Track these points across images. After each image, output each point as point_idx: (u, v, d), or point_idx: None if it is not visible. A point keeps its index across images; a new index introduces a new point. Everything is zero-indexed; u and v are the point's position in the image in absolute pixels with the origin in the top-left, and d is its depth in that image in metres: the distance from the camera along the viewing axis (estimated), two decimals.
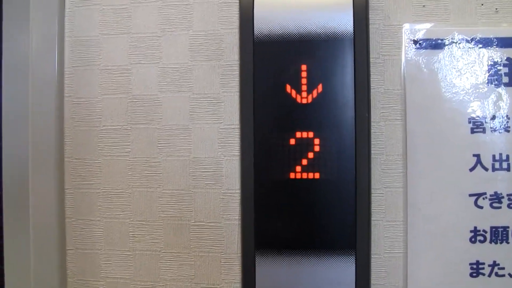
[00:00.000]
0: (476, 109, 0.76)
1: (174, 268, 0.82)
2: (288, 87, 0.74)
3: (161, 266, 0.82)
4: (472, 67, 0.76)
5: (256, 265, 0.75)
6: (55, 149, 0.83)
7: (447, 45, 0.77)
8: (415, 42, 0.77)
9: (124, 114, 0.83)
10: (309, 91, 0.74)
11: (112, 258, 0.83)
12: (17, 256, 0.83)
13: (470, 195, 0.76)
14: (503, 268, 0.75)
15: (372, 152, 0.77)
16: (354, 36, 0.74)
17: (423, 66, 0.77)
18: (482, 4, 0.77)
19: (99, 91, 0.84)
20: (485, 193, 0.75)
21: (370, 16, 0.76)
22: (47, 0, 0.84)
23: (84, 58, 0.84)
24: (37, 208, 0.83)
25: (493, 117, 0.76)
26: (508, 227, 0.75)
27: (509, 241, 0.75)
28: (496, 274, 0.75)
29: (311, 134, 0.74)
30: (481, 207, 0.75)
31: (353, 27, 0.74)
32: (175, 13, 0.82)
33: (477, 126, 0.76)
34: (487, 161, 0.75)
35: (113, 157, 0.83)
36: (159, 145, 0.82)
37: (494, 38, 0.76)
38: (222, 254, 0.81)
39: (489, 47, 0.76)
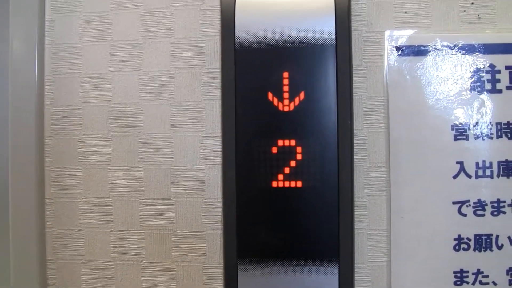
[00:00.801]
0: (459, 116, 0.76)
1: (156, 278, 0.81)
2: (270, 95, 0.74)
3: (143, 276, 0.82)
4: (455, 73, 0.76)
5: (238, 274, 0.74)
6: (35, 158, 0.82)
7: (430, 51, 0.76)
8: (398, 48, 0.77)
9: (105, 122, 0.82)
10: (291, 99, 0.73)
11: (93, 269, 0.83)
12: None
13: (454, 202, 0.75)
14: (487, 276, 0.75)
15: (355, 160, 0.76)
16: (336, 43, 0.73)
17: (406, 73, 0.77)
18: (465, 11, 0.77)
19: (79, 99, 0.83)
20: (468, 201, 0.75)
21: (352, 22, 0.76)
22: (27, 7, 0.83)
23: (64, 65, 0.83)
24: (17, 217, 0.82)
25: (476, 124, 0.75)
26: (491, 235, 0.75)
27: (492, 249, 0.75)
28: (480, 282, 0.75)
29: (293, 142, 0.73)
30: (465, 215, 0.75)
31: (335, 34, 0.73)
32: (156, 20, 0.81)
33: (460, 133, 0.76)
34: (470, 168, 0.75)
35: (94, 166, 0.82)
36: (140, 153, 0.81)
37: (476, 44, 0.76)
38: (204, 264, 0.80)
39: (471, 54, 0.76)
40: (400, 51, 0.77)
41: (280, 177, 0.73)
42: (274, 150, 0.73)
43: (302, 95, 0.73)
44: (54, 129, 0.83)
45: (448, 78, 0.76)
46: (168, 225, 0.81)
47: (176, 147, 0.80)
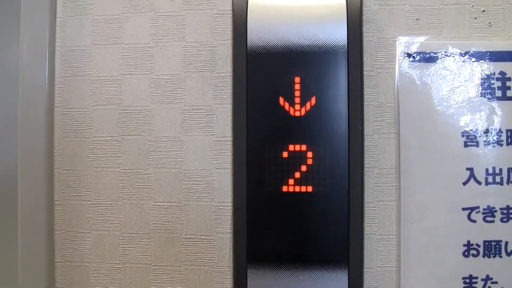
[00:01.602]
0: (469, 123, 0.76)
1: (164, 281, 0.81)
2: (281, 100, 0.74)
3: (152, 280, 0.81)
4: (465, 80, 0.76)
5: (248, 278, 0.74)
6: (45, 160, 0.82)
7: (441, 58, 0.77)
8: (409, 55, 0.77)
9: (115, 125, 0.82)
10: (302, 104, 0.73)
11: (102, 271, 0.82)
12: (5, 269, 0.83)
13: (464, 209, 0.76)
14: (496, 283, 0.75)
15: (365, 165, 0.76)
16: (348, 49, 0.73)
17: (417, 79, 0.77)
18: (476, 18, 0.77)
19: (90, 101, 0.83)
20: (478, 207, 0.75)
21: (364, 28, 0.76)
22: (38, 9, 0.83)
23: (75, 68, 0.83)
24: (26, 219, 0.82)
25: (486, 131, 0.76)
26: (501, 241, 0.75)
27: (502, 255, 0.75)
28: None
29: (304, 147, 0.73)
30: (474, 221, 0.75)
31: (347, 40, 0.73)
32: (167, 23, 0.82)
33: (470, 140, 0.76)
34: (480, 174, 0.75)
35: (104, 168, 0.82)
36: (150, 156, 0.81)
37: (487, 52, 0.76)
38: (214, 268, 0.80)
39: (482, 61, 0.76)
40: (411, 57, 0.77)
41: (291, 181, 0.73)
42: (285, 154, 0.73)
43: (313, 100, 0.73)
44: (64, 131, 0.83)
45: (459, 85, 0.76)
46: (178, 229, 0.81)
47: (187, 150, 0.81)
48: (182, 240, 0.81)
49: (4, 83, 0.84)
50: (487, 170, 0.75)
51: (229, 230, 0.80)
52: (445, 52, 0.77)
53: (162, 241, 0.81)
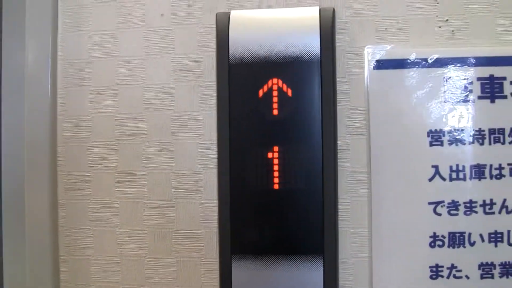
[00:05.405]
0: (434, 124, 0.80)
1: (158, 272, 0.86)
2: (261, 105, 0.78)
3: (146, 271, 0.86)
4: (430, 85, 0.80)
5: (232, 269, 0.78)
6: (49, 164, 0.87)
7: (407, 64, 0.81)
8: (378, 62, 0.81)
9: (111, 131, 0.87)
10: (280, 109, 0.78)
11: (102, 264, 0.88)
12: (14, 263, 0.87)
13: (430, 203, 0.79)
14: (460, 271, 0.79)
15: (339, 165, 0.80)
16: (321, 58, 0.78)
17: (385, 84, 0.81)
18: (440, 27, 0.82)
19: (89, 109, 0.88)
20: (443, 201, 0.79)
21: (337, 38, 0.81)
22: (41, 25, 0.88)
23: (75, 79, 0.89)
24: (33, 218, 0.86)
25: (450, 131, 0.79)
26: (464, 232, 0.79)
27: (465, 245, 0.78)
28: (454, 276, 0.79)
29: (281, 148, 0.77)
30: (440, 214, 0.79)
31: (320, 50, 0.78)
32: (158, 37, 0.87)
33: (435, 139, 0.79)
34: (445, 171, 0.79)
35: (102, 170, 0.88)
36: (144, 159, 0.86)
37: (450, 58, 0.80)
38: (202, 259, 0.85)
39: (445, 66, 0.80)
40: (380, 64, 0.81)
41: (270, 180, 0.77)
42: (265, 155, 0.78)
43: (290, 105, 0.78)
44: (66, 137, 0.88)
45: (424, 89, 0.80)
46: (169, 224, 0.86)
47: (176, 153, 0.86)
48: (173, 234, 0.86)
49: (12, 94, 0.88)
50: (451, 167, 0.79)
51: (216, 225, 0.83)
52: (411, 58, 0.81)
53: (155, 236, 0.86)
